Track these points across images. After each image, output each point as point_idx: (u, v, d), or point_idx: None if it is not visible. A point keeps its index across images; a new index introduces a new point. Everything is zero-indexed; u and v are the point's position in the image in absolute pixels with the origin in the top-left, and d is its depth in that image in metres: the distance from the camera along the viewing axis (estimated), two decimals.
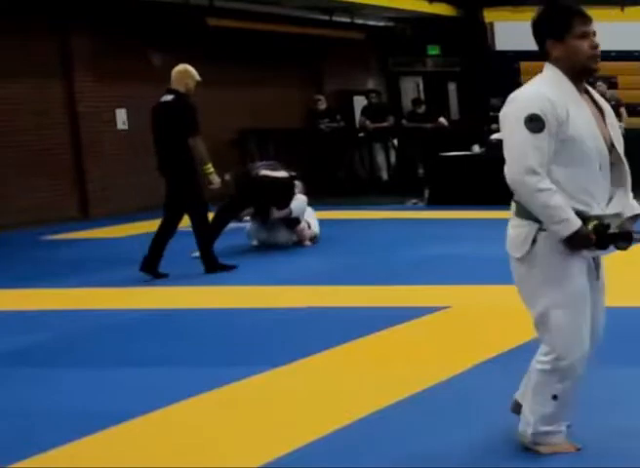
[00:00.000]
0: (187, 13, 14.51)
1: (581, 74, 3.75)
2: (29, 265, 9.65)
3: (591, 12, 3.80)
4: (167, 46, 14.82)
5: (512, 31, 19.02)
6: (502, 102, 3.85)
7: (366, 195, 15.67)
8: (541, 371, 3.81)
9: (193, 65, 8.74)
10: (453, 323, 6.65)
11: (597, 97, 3.88)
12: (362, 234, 11.01)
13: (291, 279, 8.42)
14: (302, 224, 10.29)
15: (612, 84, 17.44)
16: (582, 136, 3.65)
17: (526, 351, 5.76)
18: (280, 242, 10.24)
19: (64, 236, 11.80)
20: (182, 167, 8.47)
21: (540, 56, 3.79)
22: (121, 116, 14.35)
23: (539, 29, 3.76)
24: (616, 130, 3.84)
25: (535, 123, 3.58)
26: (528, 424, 3.89)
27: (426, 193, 14.52)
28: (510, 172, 3.67)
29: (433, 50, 19.87)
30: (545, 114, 3.59)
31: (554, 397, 3.79)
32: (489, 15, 19.40)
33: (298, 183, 10.49)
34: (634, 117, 16.83)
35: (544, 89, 3.67)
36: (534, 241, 3.70)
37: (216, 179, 8.65)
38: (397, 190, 15.76)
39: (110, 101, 14.14)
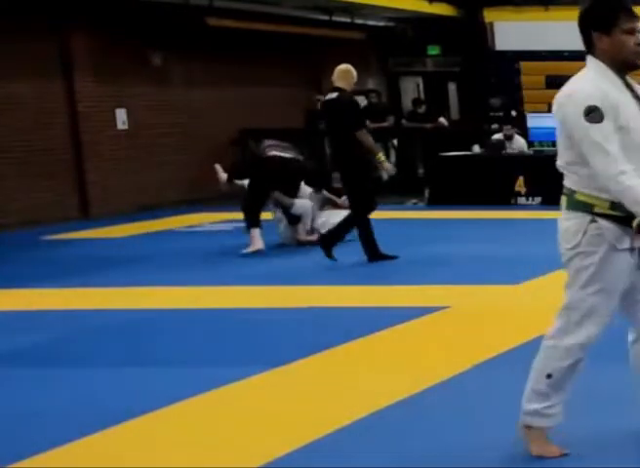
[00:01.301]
0: (187, 13, 14.50)
1: (625, 68, 3.80)
2: (29, 265, 9.64)
3: None
4: (167, 46, 14.84)
5: (512, 31, 19.04)
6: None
7: None
8: (544, 347, 3.90)
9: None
10: (452, 323, 6.65)
11: (638, 89, 3.93)
12: None
13: (290, 279, 8.42)
14: (301, 225, 10.31)
15: None
16: (632, 127, 3.70)
17: (526, 351, 5.77)
18: (281, 234, 10.31)
19: (64, 236, 11.80)
20: (351, 159, 8.89)
21: (586, 47, 3.82)
22: (121, 116, 14.34)
23: (585, 20, 3.80)
24: None
25: (594, 114, 3.63)
26: (523, 403, 3.96)
27: (426, 193, 14.53)
28: (600, 171, 3.65)
29: (433, 50, 19.86)
30: (602, 104, 3.65)
31: (548, 375, 3.87)
32: (489, 15, 19.39)
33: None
34: None
35: (595, 81, 3.72)
36: (584, 232, 3.76)
37: (389, 166, 9.24)
38: (397, 190, 15.75)
39: (110, 101, 14.14)
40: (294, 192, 10.13)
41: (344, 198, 10.64)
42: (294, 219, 10.25)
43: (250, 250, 9.65)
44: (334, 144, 9.26)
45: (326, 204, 10.62)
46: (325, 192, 10.66)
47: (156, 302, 7.54)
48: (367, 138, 8.91)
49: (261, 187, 9.89)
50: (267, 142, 10.14)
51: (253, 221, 9.76)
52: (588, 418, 4.32)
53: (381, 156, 9.10)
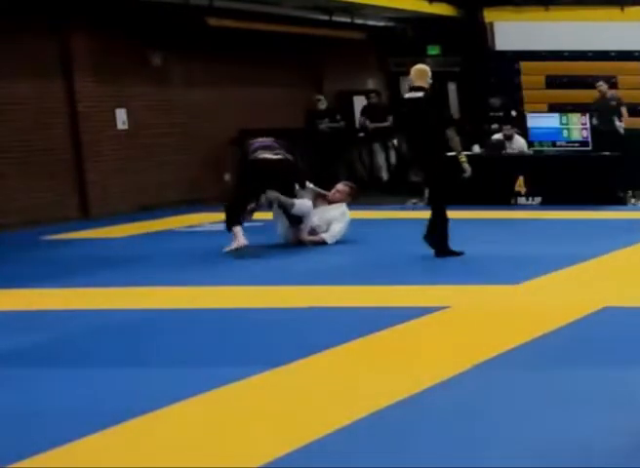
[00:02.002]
0: (187, 13, 14.51)
1: None
2: (29, 265, 9.64)
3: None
4: (167, 46, 14.85)
5: (512, 31, 19.04)
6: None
7: (366, 195, 15.67)
8: None
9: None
10: (452, 323, 6.65)
11: None
12: (361, 234, 10.99)
13: (290, 279, 8.42)
14: (303, 225, 10.30)
15: (612, 84, 17.43)
16: None
17: (526, 351, 5.78)
18: (281, 234, 10.31)
19: (64, 236, 11.80)
20: (438, 157, 9.16)
21: None
22: (121, 116, 14.35)
23: None
24: None
25: None
26: None
27: (426, 193, 14.52)
28: None
29: (433, 50, 19.86)
30: None
31: None
32: (489, 15, 19.40)
33: (310, 187, 10.51)
34: (634, 117, 16.84)
35: None
36: None
37: (468, 168, 9.40)
38: (397, 190, 15.75)
39: (110, 101, 14.15)
40: (290, 192, 10.11)
41: (334, 191, 10.64)
42: (294, 220, 10.23)
43: (234, 246, 9.51)
44: (418, 142, 9.32)
45: (316, 198, 10.57)
46: (312, 185, 10.59)
47: (156, 302, 7.54)
48: (455, 136, 9.20)
49: (250, 188, 9.85)
50: (256, 145, 10.09)
51: (235, 220, 9.64)
52: (589, 418, 4.32)
53: (463, 157, 9.33)
